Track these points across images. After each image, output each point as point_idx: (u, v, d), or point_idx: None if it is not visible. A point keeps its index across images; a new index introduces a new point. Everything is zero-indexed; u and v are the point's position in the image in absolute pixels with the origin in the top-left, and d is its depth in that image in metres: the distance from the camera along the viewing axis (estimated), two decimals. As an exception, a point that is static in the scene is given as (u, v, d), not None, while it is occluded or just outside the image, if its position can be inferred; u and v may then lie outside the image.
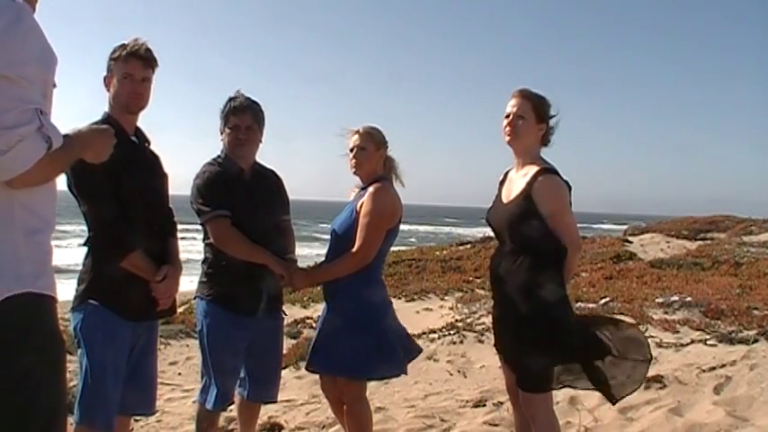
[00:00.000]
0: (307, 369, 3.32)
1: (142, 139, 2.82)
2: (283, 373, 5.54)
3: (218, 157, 3.15)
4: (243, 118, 3.08)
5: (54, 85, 1.69)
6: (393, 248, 3.73)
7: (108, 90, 2.71)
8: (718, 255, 12.18)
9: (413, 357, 3.28)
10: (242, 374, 3.21)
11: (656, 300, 7.51)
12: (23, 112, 1.53)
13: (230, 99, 3.12)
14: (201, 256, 3.18)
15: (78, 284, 2.68)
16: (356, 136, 3.14)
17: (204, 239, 3.13)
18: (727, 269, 10.92)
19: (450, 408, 4.42)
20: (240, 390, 3.22)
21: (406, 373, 3.20)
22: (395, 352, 3.12)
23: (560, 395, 3.99)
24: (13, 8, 1.55)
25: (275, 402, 3.50)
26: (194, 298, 3.21)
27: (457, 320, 7.69)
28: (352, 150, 3.14)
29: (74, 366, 2.83)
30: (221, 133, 3.15)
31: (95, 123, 2.53)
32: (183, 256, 2.89)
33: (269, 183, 3.24)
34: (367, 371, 3.13)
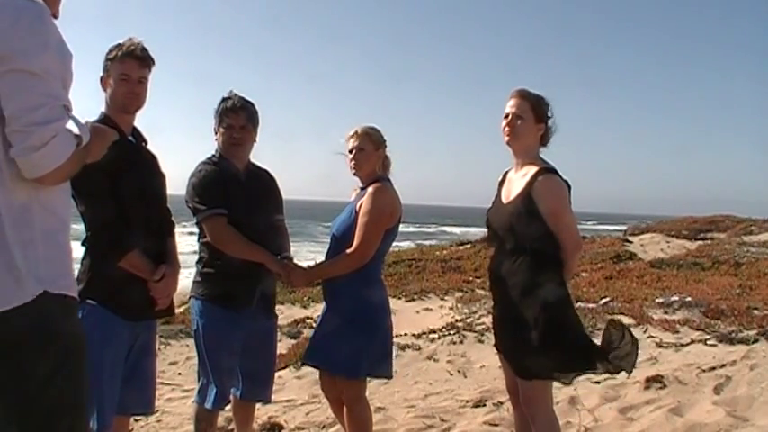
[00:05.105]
0: (303, 362, 3.33)
1: (139, 138, 2.83)
2: (283, 373, 5.56)
3: (213, 156, 3.15)
4: (237, 118, 3.08)
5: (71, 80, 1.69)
6: (393, 248, 3.74)
7: (105, 90, 2.71)
8: (718, 255, 12.19)
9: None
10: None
11: (656, 300, 7.51)
12: (53, 108, 1.54)
13: (224, 99, 3.12)
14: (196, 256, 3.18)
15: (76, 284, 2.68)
16: (354, 137, 3.13)
17: (200, 238, 3.12)
18: (727, 269, 10.93)
19: (450, 408, 4.42)
20: (233, 389, 3.22)
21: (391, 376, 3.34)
22: (390, 353, 3.16)
23: (560, 395, 3.98)
24: (34, 6, 1.57)
25: (269, 402, 3.51)
26: (189, 298, 3.21)
27: (457, 320, 7.69)
28: (350, 152, 3.14)
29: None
30: (215, 133, 3.15)
31: (94, 123, 2.52)
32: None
33: (264, 182, 3.24)
34: (364, 370, 3.12)
